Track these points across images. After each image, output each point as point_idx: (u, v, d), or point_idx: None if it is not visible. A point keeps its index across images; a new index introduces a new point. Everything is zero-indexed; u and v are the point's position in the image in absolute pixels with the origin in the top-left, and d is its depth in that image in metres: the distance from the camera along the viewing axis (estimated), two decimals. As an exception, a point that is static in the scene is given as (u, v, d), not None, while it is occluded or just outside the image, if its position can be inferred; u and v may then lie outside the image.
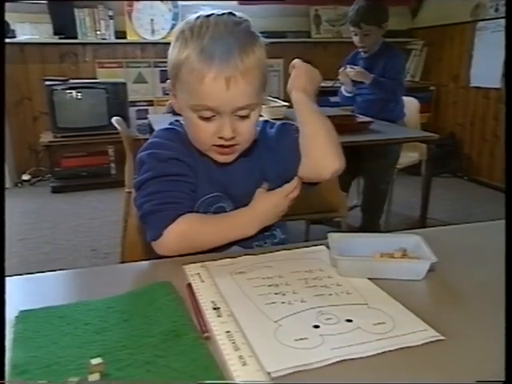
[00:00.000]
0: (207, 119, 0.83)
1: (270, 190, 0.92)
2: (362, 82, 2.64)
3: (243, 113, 0.84)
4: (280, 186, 0.92)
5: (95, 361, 0.52)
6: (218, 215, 0.90)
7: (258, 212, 0.89)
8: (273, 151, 0.96)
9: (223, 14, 0.84)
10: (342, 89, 2.78)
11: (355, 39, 2.63)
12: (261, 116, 0.92)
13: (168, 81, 0.91)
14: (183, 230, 0.83)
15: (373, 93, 2.64)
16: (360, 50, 2.69)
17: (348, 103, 2.86)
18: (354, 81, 2.67)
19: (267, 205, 0.90)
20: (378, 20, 2.54)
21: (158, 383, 0.51)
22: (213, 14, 0.83)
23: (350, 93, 2.75)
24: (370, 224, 2.63)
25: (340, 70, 2.68)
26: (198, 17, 0.84)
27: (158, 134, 0.96)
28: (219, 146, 0.86)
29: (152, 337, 0.59)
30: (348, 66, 2.65)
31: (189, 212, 0.85)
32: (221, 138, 0.84)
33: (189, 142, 0.92)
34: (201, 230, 0.85)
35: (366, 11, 2.50)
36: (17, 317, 0.64)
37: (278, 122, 1.01)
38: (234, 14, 0.85)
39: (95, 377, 0.50)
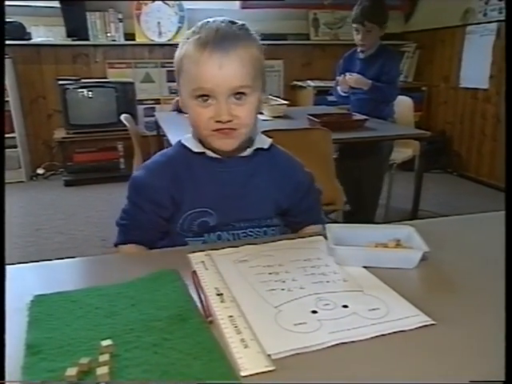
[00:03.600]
0: (205, 105, 0.83)
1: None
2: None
3: (238, 96, 0.83)
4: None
5: (105, 342, 0.52)
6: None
7: None
8: (279, 173, 0.96)
9: (223, 18, 0.86)
10: (338, 89, 2.77)
11: (357, 37, 2.61)
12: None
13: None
14: (129, 252, 0.93)
15: (361, 93, 2.63)
16: (359, 48, 2.66)
17: (343, 102, 2.85)
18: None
19: None
20: (380, 20, 2.54)
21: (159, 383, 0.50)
22: (214, 19, 0.85)
23: (345, 93, 2.74)
24: (365, 216, 2.62)
25: (340, 78, 2.66)
26: (203, 21, 0.86)
27: (152, 159, 0.96)
28: (219, 129, 0.85)
29: (159, 321, 0.59)
30: (347, 73, 2.63)
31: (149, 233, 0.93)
32: (218, 121, 0.83)
33: (181, 159, 0.92)
34: None
35: (370, 10, 2.51)
36: (32, 301, 0.63)
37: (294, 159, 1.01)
38: (233, 20, 0.86)
39: (105, 357, 0.50)
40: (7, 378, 0.49)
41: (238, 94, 0.83)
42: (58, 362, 0.51)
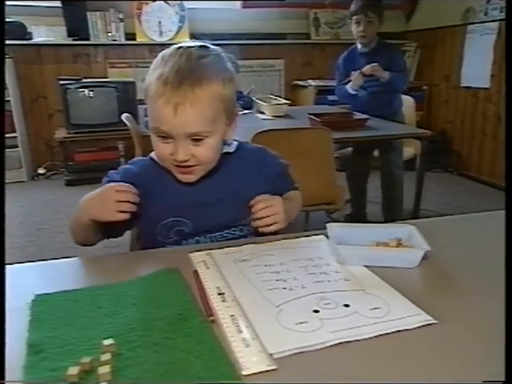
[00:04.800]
0: (164, 141, 0.84)
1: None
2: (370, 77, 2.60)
3: (197, 138, 0.83)
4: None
5: (107, 342, 0.52)
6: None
7: (90, 197, 0.88)
8: (253, 167, 0.96)
9: (196, 46, 0.84)
10: (348, 86, 2.71)
11: (357, 29, 2.60)
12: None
13: None
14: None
15: (375, 85, 2.62)
16: (360, 40, 2.65)
17: (347, 101, 2.81)
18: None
19: (98, 192, 0.86)
20: (380, 11, 2.60)
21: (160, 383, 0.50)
22: (187, 46, 0.84)
23: (356, 91, 2.70)
24: (398, 210, 2.63)
25: (356, 74, 2.62)
26: (174, 48, 0.85)
27: (131, 163, 0.98)
28: (177, 165, 0.86)
29: (160, 320, 0.59)
30: (364, 67, 2.58)
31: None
32: (175, 159, 0.85)
33: (152, 170, 0.92)
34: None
35: (372, 1, 2.59)
36: (33, 300, 0.63)
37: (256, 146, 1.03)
38: (206, 47, 0.85)
39: (107, 356, 0.50)
40: (9, 377, 0.49)
41: (197, 137, 0.83)
42: (60, 362, 0.51)
